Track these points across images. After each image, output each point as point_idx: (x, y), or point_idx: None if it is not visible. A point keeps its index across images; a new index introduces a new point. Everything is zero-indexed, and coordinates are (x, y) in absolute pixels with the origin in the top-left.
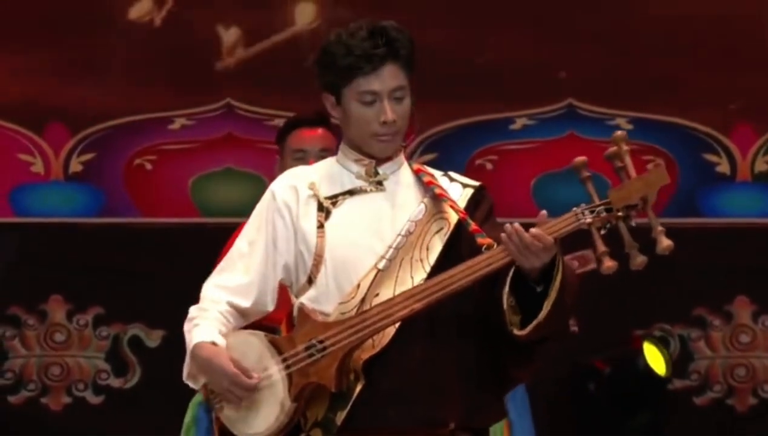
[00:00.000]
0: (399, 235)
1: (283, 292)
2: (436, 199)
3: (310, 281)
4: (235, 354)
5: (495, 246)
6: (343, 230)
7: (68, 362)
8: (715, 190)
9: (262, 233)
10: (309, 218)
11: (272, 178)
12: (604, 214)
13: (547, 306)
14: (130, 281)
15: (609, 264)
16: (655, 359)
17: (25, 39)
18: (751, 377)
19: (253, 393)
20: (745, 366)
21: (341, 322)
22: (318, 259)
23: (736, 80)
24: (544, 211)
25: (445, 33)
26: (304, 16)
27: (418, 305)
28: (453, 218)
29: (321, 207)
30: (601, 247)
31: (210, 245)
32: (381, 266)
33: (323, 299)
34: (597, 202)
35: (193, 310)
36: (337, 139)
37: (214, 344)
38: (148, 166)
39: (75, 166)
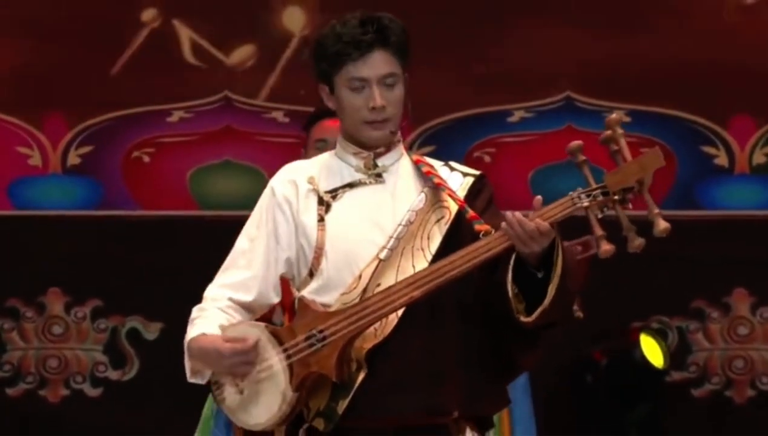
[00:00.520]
0: (400, 225)
1: (283, 283)
2: (436, 188)
3: (312, 274)
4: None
5: (493, 232)
6: (344, 222)
7: (66, 355)
8: (713, 182)
9: (262, 229)
10: (309, 211)
11: (275, 170)
12: (600, 197)
13: (551, 291)
14: (129, 273)
15: (606, 248)
16: (652, 351)
17: (26, 31)
18: (750, 369)
19: (258, 358)
20: (743, 358)
21: (341, 311)
22: (319, 252)
23: (734, 73)
24: (539, 197)
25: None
26: (293, 20)
27: (416, 293)
28: (453, 206)
29: (321, 201)
30: (599, 230)
31: (208, 238)
32: (382, 256)
33: (325, 291)
34: (593, 185)
35: (194, 310)
36: None
37: (204, 335)
38: (146, 159)
39: (73, 158)
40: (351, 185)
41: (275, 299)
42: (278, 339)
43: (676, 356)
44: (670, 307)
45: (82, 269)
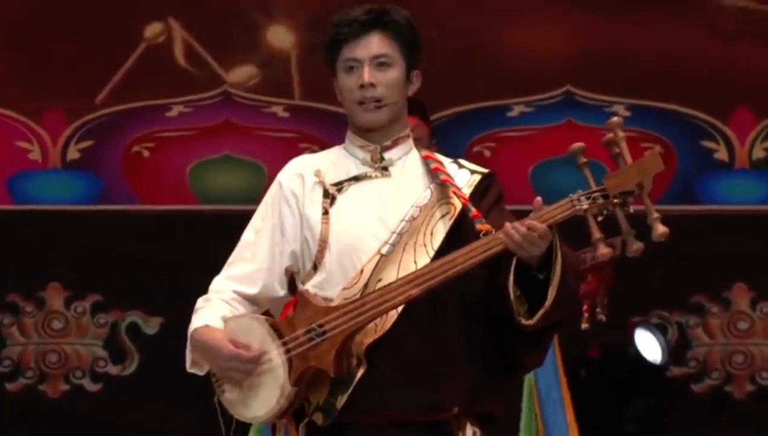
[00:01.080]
0: (403, 220)
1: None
2: (443, 185)
3: (315, 267)
4: (236, 337)
5: (494, 232)
6: (348, 215)
7: (66, 350)
8: (713, 177)
9: (268, 221)
10: (315, 204)
11: (275, 164)
12: (600, 200)
13: (551, 293)
14: (128, 268)
15: (604, 251)
16: (649, 345)
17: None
18: (749, 364)
19: (256, 369)
20: (743, 353)
21: (341, 306)
22: (323, 245)
23: (734, 67)
24: (539, 198)
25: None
26: (278, 38)
27: (416, 291)
28: (459, 203)
29: (326, 193)
30: (597, 233)
31: (208, 232)
32: (384, 251)
33: (328, 285)
34: (593, 188)
35: (199, 301)
36: (429, 128)
37: (207, 326)
38: (146, 154)
39: (73, 153)
40: (357, 178)
41: (281, 292)
42: (278, 332)
43: (676, 351)
44: (669, 302)
45: (81, 264)
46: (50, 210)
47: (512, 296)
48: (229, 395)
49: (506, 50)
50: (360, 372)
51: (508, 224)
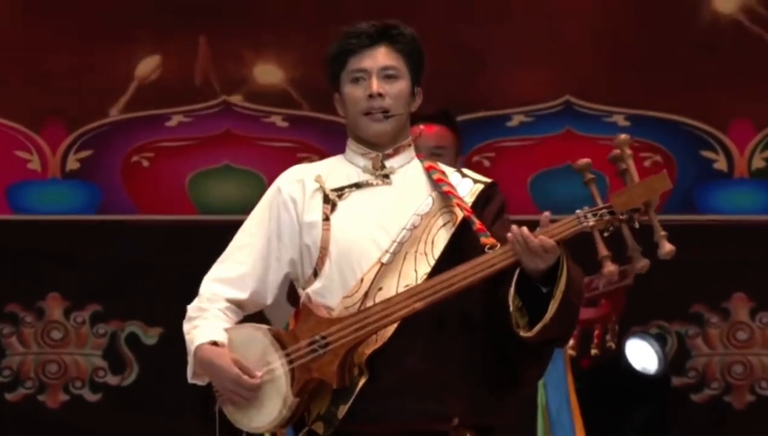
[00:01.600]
0: (404, 229)
1: None
2: (445, 196)
3: (316, 273)
4: (239, 350)
5: (498, 246)
6: (349, 222)
7: (65, 360)
8: (712, 186)
9: (263, 226)
10: (315, 210)
11: (275, 174)
12: (606, 217)
13: (552, 307)
14: (128, 278)
15: (610, 269)
16: (643, 355)
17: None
18: (749, 374)
19: (256, 395)
20: (742, 363)
21: (344, 318)
22: (323, 251)
23: (734, 78)
24: (547, 213)
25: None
26: (269, 76)
27: (419, 305)
28: (460, 212)
29: (327, 199)
30: (603, 251)
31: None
32: (385, 260)
33: (328, 292)
34: (600, 205)
35: (191, 309)
36: (457, 138)
37: (215, 343)
38: (146, 164)
39: (72, 163)
40: (358, 185)
41: (268, 301)
42: (281, 343)
43: (675, 361)
44: (669, 312)
45: (81, 274)
46: (50, 220)
47: (512, 307)
48: (231, 406)
49: (506, 60)
50: (361, 382)
51: (514, 227)
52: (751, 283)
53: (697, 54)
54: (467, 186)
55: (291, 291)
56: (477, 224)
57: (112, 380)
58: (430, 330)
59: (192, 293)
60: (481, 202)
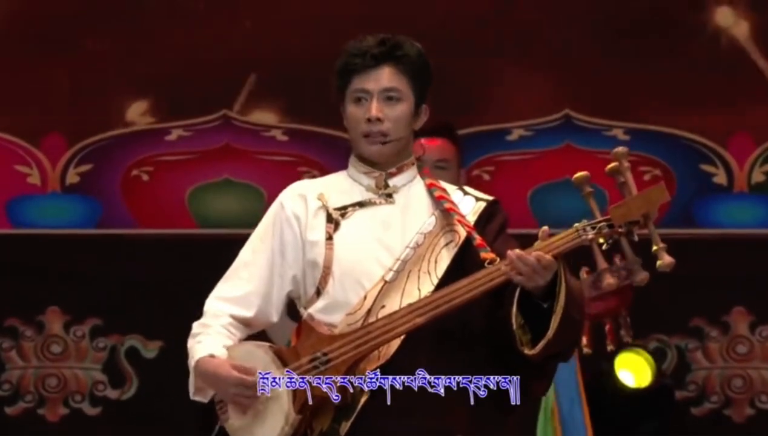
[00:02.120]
0: (407, 247)
1: None
2: (447, 212)
3: (318, 292)
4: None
5: (498, 261)
6: (352, 241)
7: (65, 374)
8: (712, 200)
9: (267, 242)
10: (318, 229)
11: (275, 188)
12: (605, 230)
13: (554, 323)
14: (127, 292)
15: (610, 281)
16: (636, 369)
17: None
18: (749, 387)
19: (261, 396)
20: (742, 377)
21: (345, 335)
22: (326, 270)
23: (733, 92)
24: (546, 227)
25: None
26: (264, 119)
27: (420, 320)
28: (463, 231)
29: (330, 218)
30: (602, 263)
31: (207, 256)
32: (388, 278)
33: (331, 310)
34: (599, 218)
35: (196, 326)
36: (459, 151)
37: (213, 356)
38: (145, 178)
39: (72, 177)
40: (361, 204)
41: (275, 318)
42: (282, 360)
43: (675, 374)
44: (668, 325)
45: (81, 288)
46: (49, 234)
47: (515, 325)
48: (233, 422)
49: (506, 73)
50: (363, 399)
51: (511, 254)
52: (750, 297)
53: (698, 68)
54: (469, 204)
55: (292, 305)
56: (478, 239)
57: (112, 393)
58: (432, 346)
59: (192, 306)
60: (483, 220)
